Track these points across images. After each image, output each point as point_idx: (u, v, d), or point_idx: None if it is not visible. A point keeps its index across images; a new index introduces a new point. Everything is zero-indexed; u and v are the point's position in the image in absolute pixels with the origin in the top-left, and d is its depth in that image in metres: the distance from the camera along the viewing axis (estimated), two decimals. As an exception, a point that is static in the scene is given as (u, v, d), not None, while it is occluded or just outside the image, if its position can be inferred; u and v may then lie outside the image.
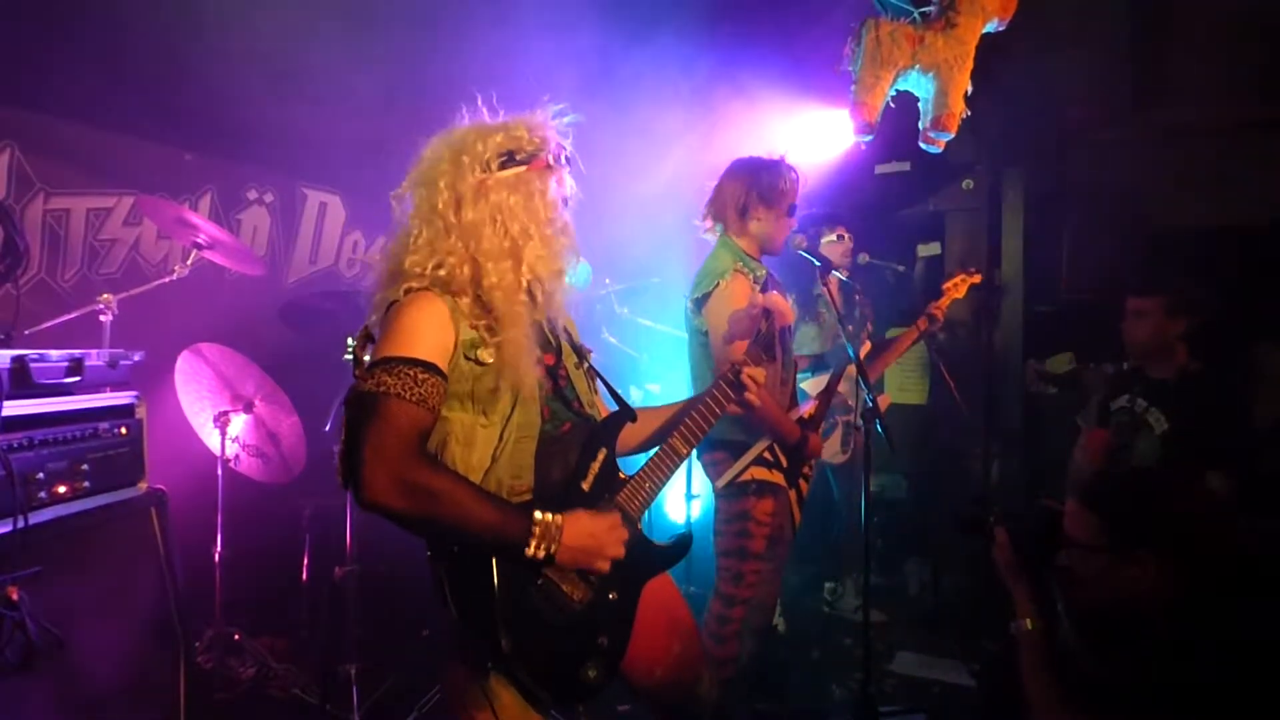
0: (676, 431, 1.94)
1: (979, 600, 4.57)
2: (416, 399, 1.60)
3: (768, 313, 2.14)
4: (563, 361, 1.93)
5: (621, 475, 1.89)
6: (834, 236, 4.17)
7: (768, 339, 2.14)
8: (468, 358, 1.71)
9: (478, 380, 1.72)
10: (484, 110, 1.89)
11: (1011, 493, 4.68)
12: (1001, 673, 3.80)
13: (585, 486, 1.82)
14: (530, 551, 1.63)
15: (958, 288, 3.91)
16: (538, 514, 1.65)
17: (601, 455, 1.85)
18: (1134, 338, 3.07)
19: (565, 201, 1.90)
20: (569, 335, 2.01)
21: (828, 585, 4.65)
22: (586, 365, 2.03)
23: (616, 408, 1.97)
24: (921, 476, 5.14)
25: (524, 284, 1.78)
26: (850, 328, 3.34)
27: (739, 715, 3.20)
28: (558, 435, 1.84)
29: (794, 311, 2.18)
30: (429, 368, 1.64)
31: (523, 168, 1.81)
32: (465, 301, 1.74)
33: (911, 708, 3.46)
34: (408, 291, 1.73)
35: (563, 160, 1.89)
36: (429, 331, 1.68)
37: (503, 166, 1.80)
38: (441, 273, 1.74)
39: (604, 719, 3.14)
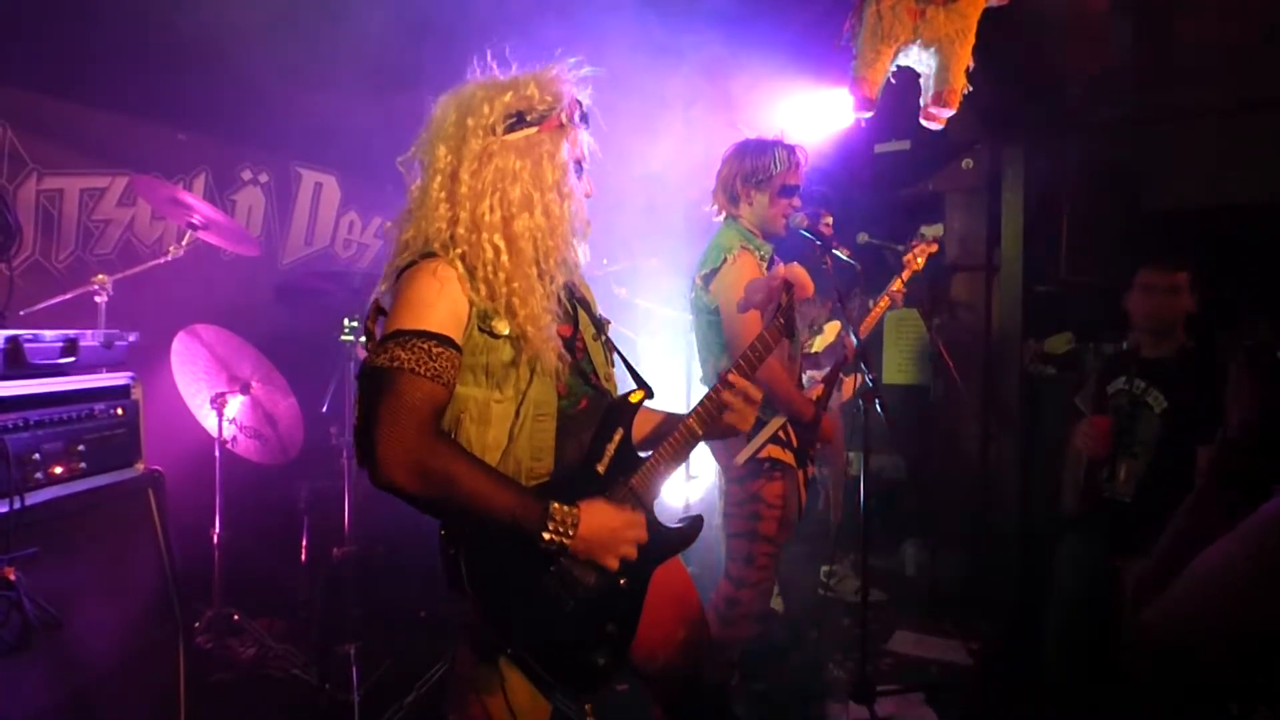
0: (693, 413, 1.84)
1: (976, 580, 4.59)
2: (431, 374, 1.54)
3: (788, 284, 1.99)
4: (580, 332, 1.87)
5: (637, 455, 1.82)
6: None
7: (788, 312, 2.00)
8: (481, 329, 1.65)
9: (492, 352, 1.66)
10: (494, 66, 1.78)
11: (1008, 473, 4.69)
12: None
13: (600, 469, 1.76)
14: (545, 541, 1.58)
15: (916, 259, 3.84)
16: (554, 504, 1.60)
17: (618, 436, 1.79)
18: (1155, 311, 2.99)
19: (580, 165, 1.79)
20: (587, 306, 1.94)
21: (825, 569, 4.66)
22: (604, 338, 1.95)
23: (634, 385, 1.90)
24: (920, 457, 5.15)
25: (526, 255, 1.69)
26: (851, 309, 3.32)
27: (737, 696, 3.22)
28: (574, 413, 1.78)
29: (814, 284, 2.05)
30: (443, 341, 1.58)
31: (533, 129, 1.71)
32: (476, 270, 1.66)
33: (909, 687, 3.46)
34: (420, 259, 1.66)
35: (578, 118, 1.77)
36: (441, 302, 1.61)
37: (510, 129, 1.70)
38: (447, 240, 1.67)
39: (603, 699, 3.15)
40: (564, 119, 1.74)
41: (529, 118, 1.71)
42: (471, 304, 1.65)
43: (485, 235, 1.66)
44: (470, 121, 1.70)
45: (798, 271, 2.01)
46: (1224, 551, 1.22)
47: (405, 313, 1.60)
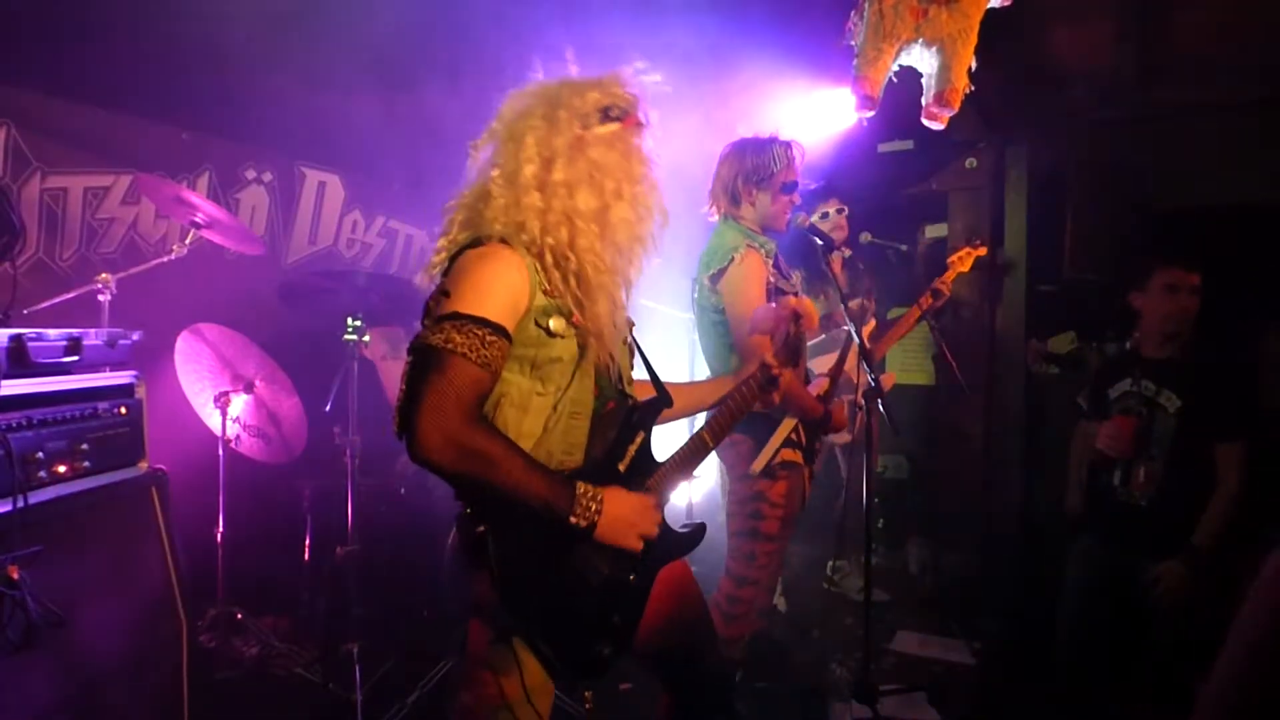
0: (705, 426, 1.95)
1: (980, 579, 4.58)
2: (482, 361, 1.58)
3: (797, 316, 2.07)
4: None
5: (655, 459, 1.91)
6: (829, 211, 4.13)
7: (796, 343, 2.08)
8: (538, 324, 1.69)
9: (543, 348, 1.71)
10: (573, 66, 1.85)
11: (1011, 472, 4.68)
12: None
13: (621, 468, 1.83)
14: (573, 522, 1.64)
15: (963, 261, 3.89)
16: (580, 486, 1.66)
17: (639, 439, 1.86)
18: (1177, 311, 2.95)
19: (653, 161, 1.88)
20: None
21: (831, 564, 4.65)
22: (629, 339, 2.00)
23: (653, 386, 2.00)
24: (924, 456, 5.14)
25: (611, 248, 1.76)
26: (853, 306, 3.32)
27: (740, 693, 3.21)
28: (604, 413, 1.84)
29: (819, 312, 2.14)
30: (498, 330, 1.61)
31: (618, 124, 1.79)
32: (544, 263, 1.71)
33: (912, 686, 3.46)
34: (490, 242, 1.68)
35: (650, 119, 1.87)
36: (503, 290, 1.65)
37: (600, 122, 1.77)
38: (524, 235, 1.70)
39: (605, 696, 3.15)
40: (642, 118, 1.83)
41: (613, 113, 1.78)
42: (532, 297, 1.69)
43: (579, 223, 1.72)
44: (562, 114, 1.75)
45: (807, 305, 2.09)
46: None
47: (466, 295, 1.63)
